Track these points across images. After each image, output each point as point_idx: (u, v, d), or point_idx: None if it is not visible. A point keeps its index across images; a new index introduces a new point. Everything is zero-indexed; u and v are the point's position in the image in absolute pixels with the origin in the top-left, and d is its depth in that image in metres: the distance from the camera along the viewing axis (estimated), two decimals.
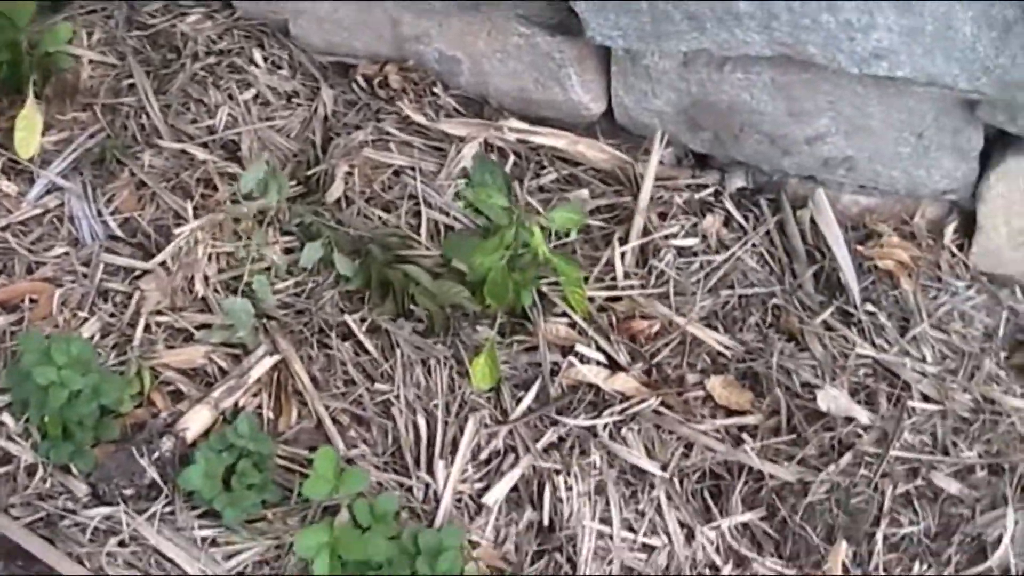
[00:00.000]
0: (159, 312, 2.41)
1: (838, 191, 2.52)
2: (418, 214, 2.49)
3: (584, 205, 2.46)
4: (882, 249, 2.46)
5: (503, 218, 2.19)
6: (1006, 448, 2.27)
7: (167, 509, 2.22)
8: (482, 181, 2.25)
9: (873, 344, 2.37)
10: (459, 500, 2.22)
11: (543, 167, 2.56)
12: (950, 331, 2.41)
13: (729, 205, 2.53)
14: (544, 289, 2.37)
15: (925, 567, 2.18)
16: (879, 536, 2.19)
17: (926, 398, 2.32)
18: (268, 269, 2.43)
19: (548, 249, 2.22)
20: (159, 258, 2.45)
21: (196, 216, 2.50)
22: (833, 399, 2.27)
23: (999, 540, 2.17)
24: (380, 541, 2.09)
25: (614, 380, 2.31)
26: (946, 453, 2.26)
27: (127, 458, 2.23)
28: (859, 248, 2.47)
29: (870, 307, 2.41)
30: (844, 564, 2.17)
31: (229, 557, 2.18)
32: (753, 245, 2.48)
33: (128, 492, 2.21)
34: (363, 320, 2.38)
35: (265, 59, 2.73)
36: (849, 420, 2.27)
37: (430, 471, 2.23)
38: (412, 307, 2.36)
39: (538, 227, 2.20)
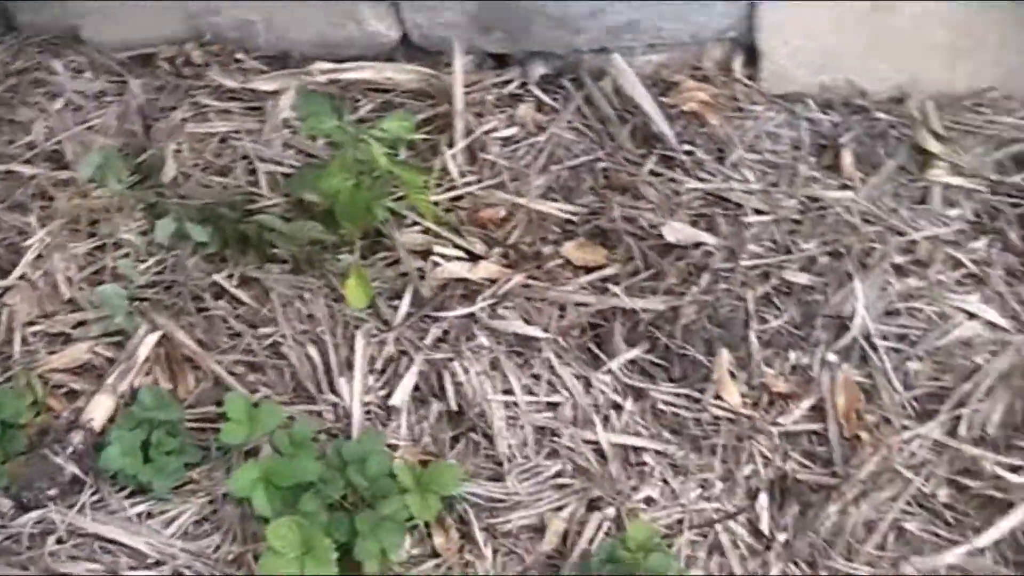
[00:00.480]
0: (31, 323, 2.46)
1: (630, 55, 2.70)
2: (253, 171, 2.59)
3: (411, 116, 2.59)
4: (683, 95, 2.65)
5: (339, 135, 2.30)
6: (838, 234, 2.49)
7: (95, 498, 2.27)
8: (310, 112, 2.35)
9: (699, 178, 2.56)
10: (368, 412, 2.33)
11: (358, 100, 2.68)
12: (762, 150, 2.62)
13: (537, 92, 2.70)
14: (391, 205, 2.49)
15: (799, 352, 2.38)
16: (752, 337, 2.38)
17: (758, 211, 2.52)
18: (127, 255, 2.49)
19: (389, 160, 2.34)
20: (17, 272, 2.50)
21: (43, 225, 2.54)
22: (678, 230, 2.46)
23: (854, 312, 2.39)
24: (308, 462, 2.19)
25: (478, 269, 2.46)
26: (789, 252, 2.47)
27: (42, 461, 2.27)
28: (662, 99, 2.66)
29: (687, 147, 2.60)
30: (729, 370, 2.36)
31: (168, 524, 2.25)
32: (568, 122, 2.65)
33: (52, 493, 2.25)
34: (231, 276, 2.46)
35: (66, 67, 2.79)
36: (697, 246, 2.46)
37: (334, 392, 2.34)
38: (274, 252, 2.46)
39: (374, 141, 2.32)
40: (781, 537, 2.24)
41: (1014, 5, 2.57)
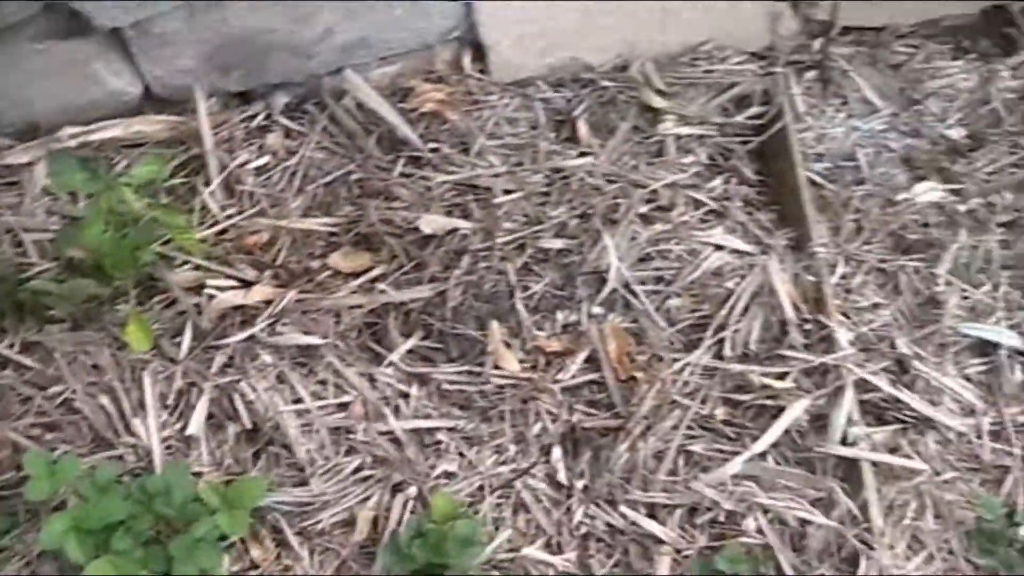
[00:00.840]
0: None
1: (366, 71, 2.82)
2: (20, 242, 2.63)
3: (161, 159, 2.66)
4: (420, 98, 2.78)
5: (90, 188, 2.37)
6: (584, 198, 2.64)
7: None
8: (60, 171, 2.41)
9: (447, 172, 2.69)
10: (168, 446, 2.40)
11: (112, 158, 2.75)
12: (503, 135, 2.76)
13: (283, 120, 2.80)
14: (160, 250, 2.57)
15: (565, 312, 2.52)
16: (519, 306, 2.51)
17: (507, 191, 2.66)
18: None
19: (146, 204, 2.42)
20: None
21: None
22: (432, 222, 2.58)
23: (610, 265, 2.54)
24: (115, 503, 2.24)
25: (252, 294, 2.54)
26: (541, 223, 2.61)
27: None
28: (402, 106, 2.79)
29: (432, 145, 2.73)
30: (503, 340, 2.48)
31: None
32: (317, 142, 2.76)
33: None
34: (12, 345, 2.51)
35: None
36: (453, 232, 2.58)
37: (132, 434, 2.40)
38: (51, 315, 2.52)
39: (127, 188, 2.40)
40: (579, 484, 2.37)
41: None
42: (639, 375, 2.44)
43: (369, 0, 2.70)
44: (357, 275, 2.57)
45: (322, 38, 2.74)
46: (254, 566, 2.30)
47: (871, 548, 2.29)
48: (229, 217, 2.64)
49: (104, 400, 2.43)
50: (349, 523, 2.33)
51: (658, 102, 2.79)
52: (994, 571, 2.33)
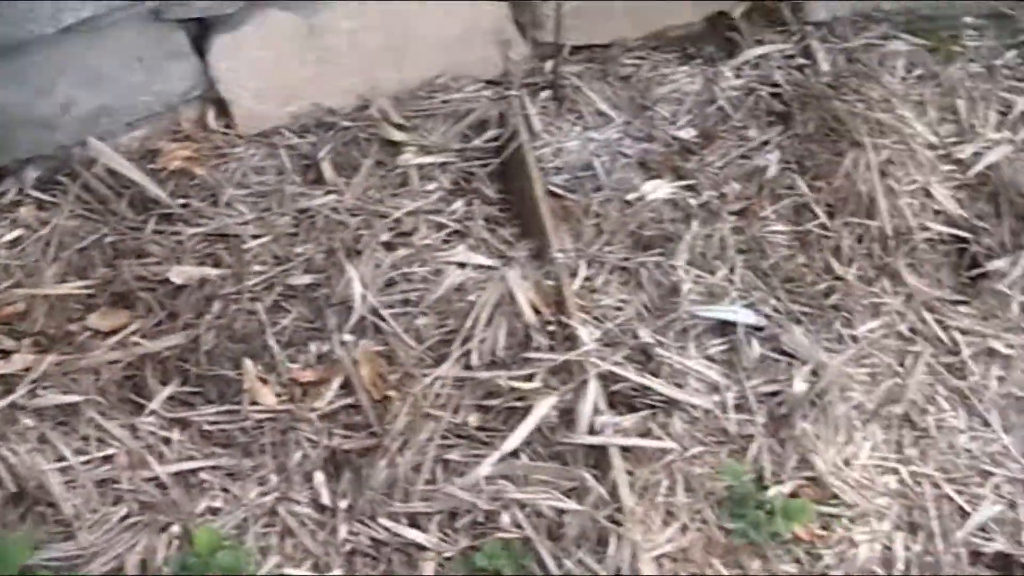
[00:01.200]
0: None
1: (114, 137, 2.89)
2: None
3: None
4: (167, 157, 2.87)
5: None
6: (330, 233, 2.74)
7: None
8: None
9: (197, 224, 2.77)
10: None
11: None
12: (250, 184, 2.86)
13: (35, 194, 2.85)
14: None
15: (318, 343, 2.61)
16: (271, 342, 2.59)
17: (256, 236, 2.75)
18: None
19: None
20: None
21: None
22: (181, 272, 2.66)
23: (355, 294, 2.63)
24: None
25: (11, 363, 2.59)
26: (289, 261, 2.70)
27: None
28: (151, 167, 2.87)
29: (182, 200, 2.81)
30: (259, 377, 2.56)
31: None
32: (70, 211, 2.81)
33: None
34: None
35: None
36: (204, 281, 2.66)
37: None
38: None
39: None
40: (343, 504, 2.44)
41: (438, 4, 2.90)
42: (393, 394, 2.53)
43: (105, 69, 2.77)
44: (116, 332, 2.63)
45: (64, 110, 2.81)
46: None
47: (621, 526, 2.39)
48: None
49: None
50: (119, 570, 2.37)
51: (398, 136, 2.90)
52: (744, 532, 2.43)
